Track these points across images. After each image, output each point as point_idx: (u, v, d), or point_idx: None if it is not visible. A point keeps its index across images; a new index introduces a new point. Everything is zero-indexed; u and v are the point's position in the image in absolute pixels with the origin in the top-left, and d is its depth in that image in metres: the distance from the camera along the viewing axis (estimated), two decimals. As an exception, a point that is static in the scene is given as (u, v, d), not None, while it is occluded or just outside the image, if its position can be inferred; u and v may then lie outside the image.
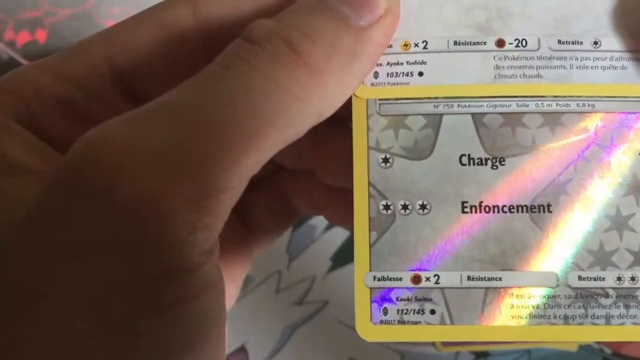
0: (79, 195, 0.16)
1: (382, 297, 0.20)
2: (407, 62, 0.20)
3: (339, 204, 0.24)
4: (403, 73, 0.20)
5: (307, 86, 0.18)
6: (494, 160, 0.20)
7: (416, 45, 0.21)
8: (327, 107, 0.18)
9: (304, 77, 0.18)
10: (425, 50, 0.20)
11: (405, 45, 0.21)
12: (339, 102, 0.19)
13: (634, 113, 0.20)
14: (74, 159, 0.17)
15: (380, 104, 0.20)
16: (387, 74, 0.20)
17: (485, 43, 0.20)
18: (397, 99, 0.20)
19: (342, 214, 0.24)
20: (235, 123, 0.17)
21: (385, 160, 0.20)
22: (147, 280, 0.16)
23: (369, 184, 0.20)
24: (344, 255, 0.39)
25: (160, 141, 0.16)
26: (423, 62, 0.20)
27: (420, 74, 0.20)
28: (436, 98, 0.20)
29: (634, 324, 0.19)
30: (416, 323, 0.20)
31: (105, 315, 0.16)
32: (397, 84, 0.20)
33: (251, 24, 0.19)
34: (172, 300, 0.16)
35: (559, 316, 0.19)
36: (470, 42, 0.20)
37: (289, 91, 0.17)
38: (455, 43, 0.20)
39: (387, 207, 0.20)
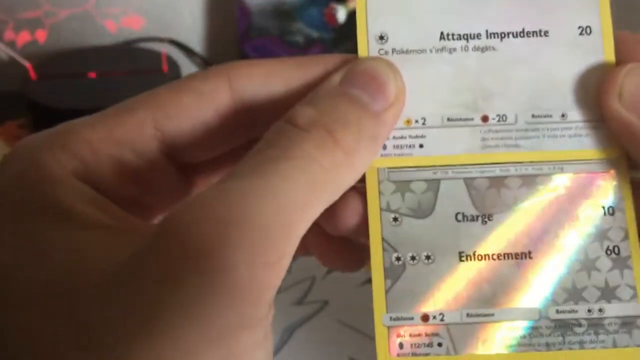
0: (177, 256, 0.18)
1: (397, 334, 0.23)
2: (409, 136, 0.24)
3: (332, 249, 0.27)
4: (406, 145, 0.24)
5: (341, 166, 0.21)
6: (483, 217, 0.24)
7: (416, 121, 0.24)
8: (352, 181, 0.22)
9: (339, 159, 0.21)
10: (424, 125, 0.24)
11: (408, 121, 0.24)
12: (360, 175, 0.22)
13: (596, 173, 0.24)
14: (174, 224, 0.19)
15: (389, 171, 0.24)
16: (394, 146, 0.24)
17: (472, 119, 0.24)
18: (402, 167, 0.24)
19: (333, 259, 0.27)
20: (296, 200, 0.20)
21: (395, 219, 0.24)
22: (229, 330, 0.18)
23: (383, 239, 0.24)
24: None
25: (248, 216, 0.19)
26: (423, 136, 0.24)
27: (421, 146, 0.24)
28: (434, 166, 0.24)
29: (603, 347, 0.23)
30: (426, 355, 0.23)
31: None
32: (402, 154, 0.24)
33: (293, 110, 0.22)
34: (247, 347, 0.19)
35: (542, 344, 0.23)
36: (461, 119, 0.24)
37: (329, 171, 0.21)
38: (448, 119, 0.24)
39: (398, 258, 0.23)
